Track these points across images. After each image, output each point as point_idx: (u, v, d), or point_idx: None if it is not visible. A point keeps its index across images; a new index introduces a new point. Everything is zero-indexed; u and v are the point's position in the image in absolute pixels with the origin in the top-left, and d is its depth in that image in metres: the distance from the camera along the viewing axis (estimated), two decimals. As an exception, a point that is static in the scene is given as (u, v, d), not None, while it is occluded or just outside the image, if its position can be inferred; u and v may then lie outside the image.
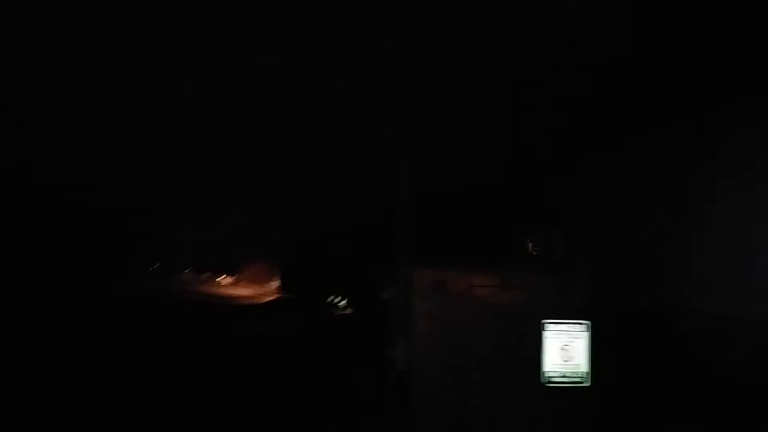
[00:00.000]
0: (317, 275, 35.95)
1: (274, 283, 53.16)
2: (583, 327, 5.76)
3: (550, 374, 5.75)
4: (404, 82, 5.59)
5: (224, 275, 71.22)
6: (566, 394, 5.80)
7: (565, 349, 5.73)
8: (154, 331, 20.65)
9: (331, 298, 30.71)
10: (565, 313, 5.71)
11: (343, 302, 29.36)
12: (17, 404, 8.91)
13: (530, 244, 6.11)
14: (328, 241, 33.81)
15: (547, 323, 5.69)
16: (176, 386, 11.01)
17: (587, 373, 5.79)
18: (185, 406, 9.42)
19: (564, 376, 5.77)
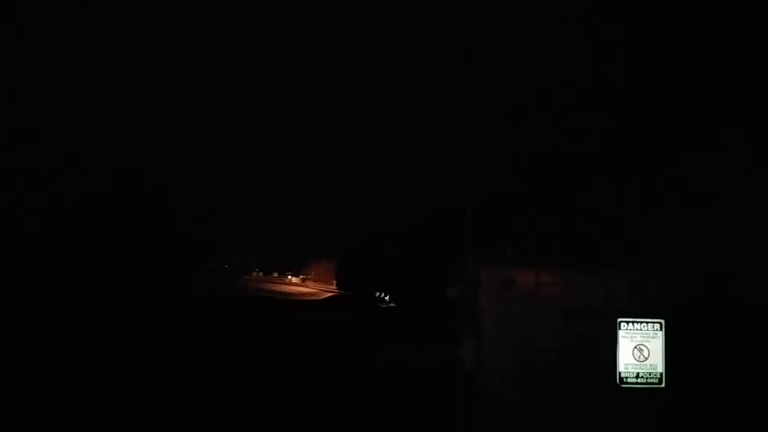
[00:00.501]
0: (369, 274, 37.60)
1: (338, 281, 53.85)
2: (659, 326, 5.33)
3: (624, 374, 5.34)
4: (466, 78, 5.31)
5: (290, 275, 72.49)
6: (641, 395, 5.37)
7: (640, 349, 5.32)
8: (230, 321, 22.53)
9: (378, 294, 32.79)
10: (640, 311, 5.30)
11: (387, 297, 31.35)
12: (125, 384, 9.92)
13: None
14: (379, 244, 35.38)
15: (620, 322, 5.30)
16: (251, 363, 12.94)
17: (663, 373, 5.36)
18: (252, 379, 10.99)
19: (638, 377, 5.36)
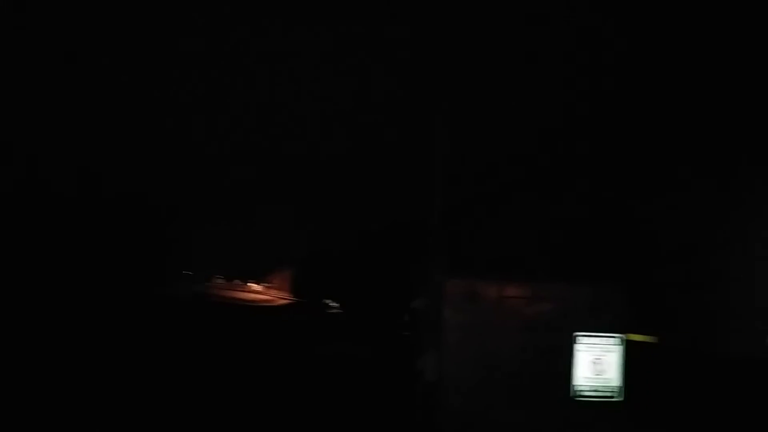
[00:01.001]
0: (319, 283, 39.54)
1: (294, 290, 53.77)
2: (617, 341, 5.33)
3: (581, 388, 5.31)
4: (437, 90, 5.26)
5: (251, 282, 71.43)
6: (597, 408, 5.36)
7: (597, 363, 5.30)
8: (190, 327, 22.09)
9: (327, 301, 34.90)
10: (598, 326, 5.29)
11: (334, 304, 33.33)
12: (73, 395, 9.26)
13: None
14: (329, 254, 37.05)
15: (578, 336, 5.27)
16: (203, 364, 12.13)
17: (619, 387, 5.36)
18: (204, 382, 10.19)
19: (595, 390, 5.33)
